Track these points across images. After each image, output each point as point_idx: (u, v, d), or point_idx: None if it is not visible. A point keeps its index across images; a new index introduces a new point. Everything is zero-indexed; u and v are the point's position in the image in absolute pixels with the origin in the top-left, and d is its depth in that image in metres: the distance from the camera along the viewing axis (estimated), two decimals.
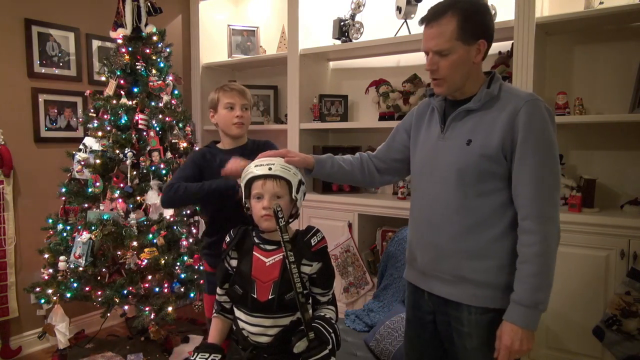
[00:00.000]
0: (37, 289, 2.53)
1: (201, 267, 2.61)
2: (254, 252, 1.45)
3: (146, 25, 2.76)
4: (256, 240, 1.47)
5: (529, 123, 1.30)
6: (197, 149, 2.07)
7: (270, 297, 1.39)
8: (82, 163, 2.61)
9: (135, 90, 2.71)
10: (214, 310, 1.57)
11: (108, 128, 2.62)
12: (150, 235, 2.47)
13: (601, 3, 2.32)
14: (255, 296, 1.40)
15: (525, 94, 1.37)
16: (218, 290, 1.54)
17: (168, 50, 2.88)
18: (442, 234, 1.41)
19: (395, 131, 1.67)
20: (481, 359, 1.40)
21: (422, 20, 1.39)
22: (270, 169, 1.40)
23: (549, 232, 1.32)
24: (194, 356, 1.43)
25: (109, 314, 2.55)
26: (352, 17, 3.12)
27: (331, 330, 1.37)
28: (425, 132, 1.51)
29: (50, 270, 2.54)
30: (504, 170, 1.35)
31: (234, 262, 1.49)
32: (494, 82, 1.39)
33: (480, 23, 1.35)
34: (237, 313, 1.47)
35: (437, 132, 1.45)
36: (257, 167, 1.42)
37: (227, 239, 1.50)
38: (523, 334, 1.29)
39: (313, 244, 1.42)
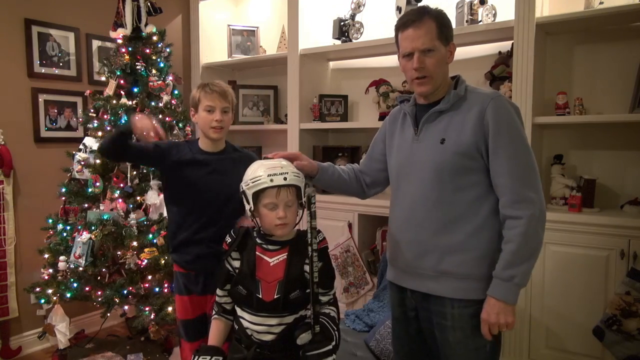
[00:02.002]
0: (37, 289, 2.53)
1: None
2: (257, 253, 1.46)
3: (146, 25, 2.76)
4: (258, 241, 1.48)
5: (497, 118, 1.38)
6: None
7: (275, 296, 1.40)
8: (82, 163, 2.61)
9: (135, 90, 2.71)
10: (213, 312, 1.56)
11: (108, 128, 2.62)
12: (150, 235, 2.47)
13: (601, 3, 2.32)
14: (260, 296, 1.41)
15: (489, 92, 1.46)
16: (218, 291, 1.53)
17: (168, 50, 2.88)
18: (423, 230, 1.47)
19: (373, 143, 1.78)
20: (464, 351, 1.45)
21: (405, 24, 1.46)
22: (285, 179, 1.39)
23: (530, 215, 1.36)
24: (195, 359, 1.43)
25: (109, 314, 2.54)
26: (352, 17, 3.12)
27: (335, 328, 1.39)
28: (399, 137, 1.59)
29: (50, 270, 2.54)
30: (478, 165, 1.42)
31: (235, 263, 1.49)
32: (460, 84, 1.48)
33: (450, 28, 1.48)
34: (241, 313, 1.47)
35: (411, 135, 1.53)
36: (271, 176, 1.39)
37: (228, 239, 1.50)
38: (500, 307, 1.37)
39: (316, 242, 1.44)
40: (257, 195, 1.42)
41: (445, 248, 1.44)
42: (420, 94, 1.51)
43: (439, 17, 1.45)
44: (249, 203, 1.44)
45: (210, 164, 1.88)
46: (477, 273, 1.43)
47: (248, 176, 1.44)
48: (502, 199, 1.40)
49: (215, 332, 1.54)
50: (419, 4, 2.83)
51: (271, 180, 1.38)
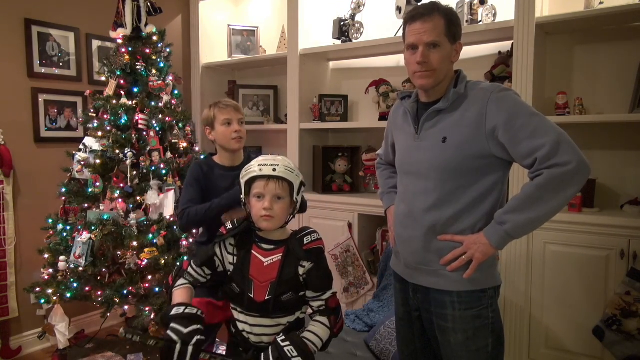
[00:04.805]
0: (37, 289, 2.52)
1: None
2: (252, 251, 1.45)
3: (146, 25, 2.76)
4: (256, 240, 1.47)
5: (503, 110, 1.36)
6: (194, 161, 2.11)
7: (266, 297, 1.39)
8: (82, 163, 2.61)
9: (135, 90, 2.71)
10: (180, 282, 1.46)
11: (108, 128, 2.61)
12: (150, 235, 2.47)
13: (601, 3, 2.32)
14: (252, 296, 1.40)
15: (488, 86, 1.43)
16: (191, 268, 1.47)
17: (168, 50, 2.87)
18: (421, 228, 1.47)
19: (385, 137, 1.77)
20: (465, 353, 1.44)
21: (413, 17, 1.44)
22: (274, 169, 1.39)
23: (565, 171, 1.30)
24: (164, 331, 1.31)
25: (109, 314, 2.54)
26: (352, 17, 3.12)
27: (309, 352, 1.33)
28: (401, 134, 1.59)
29: (50, 270, 2.54)
30: (480, 164, 1.41)
31: (230, 258, 1.47)
32: (460, 81, 1.46)
33: (459, 26, 1.47)
34: (236, 314, 1.46)
35: (412, 133, 1.52)
36: (261, 166, 1.40)
37: (229, 225, 1.47)
38: (481, 241, 1.38)
39: (305, 242, 1.42)
40: (249, 185, 1.42)
41: (444, 245, 1.44)
42: (420, 87, 1.49)
43: (449, 14, 1.43)
44: (241, 192, 1.46)
45: (229, 181, 1.96)
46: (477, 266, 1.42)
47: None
48: (535, 167, 1.36)
49: (181, 298, 1.42)
50: (419, 4, 2.84)
51: (260, 170, 1.39)
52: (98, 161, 2.58)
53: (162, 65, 2.80)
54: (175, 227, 2.57)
